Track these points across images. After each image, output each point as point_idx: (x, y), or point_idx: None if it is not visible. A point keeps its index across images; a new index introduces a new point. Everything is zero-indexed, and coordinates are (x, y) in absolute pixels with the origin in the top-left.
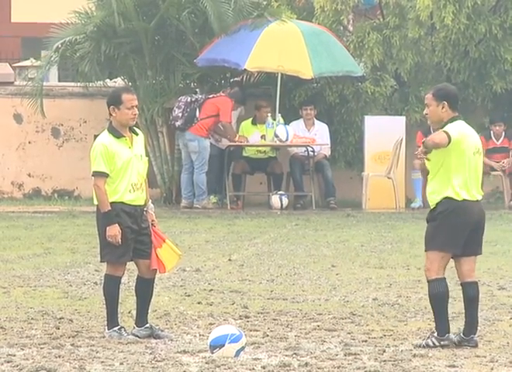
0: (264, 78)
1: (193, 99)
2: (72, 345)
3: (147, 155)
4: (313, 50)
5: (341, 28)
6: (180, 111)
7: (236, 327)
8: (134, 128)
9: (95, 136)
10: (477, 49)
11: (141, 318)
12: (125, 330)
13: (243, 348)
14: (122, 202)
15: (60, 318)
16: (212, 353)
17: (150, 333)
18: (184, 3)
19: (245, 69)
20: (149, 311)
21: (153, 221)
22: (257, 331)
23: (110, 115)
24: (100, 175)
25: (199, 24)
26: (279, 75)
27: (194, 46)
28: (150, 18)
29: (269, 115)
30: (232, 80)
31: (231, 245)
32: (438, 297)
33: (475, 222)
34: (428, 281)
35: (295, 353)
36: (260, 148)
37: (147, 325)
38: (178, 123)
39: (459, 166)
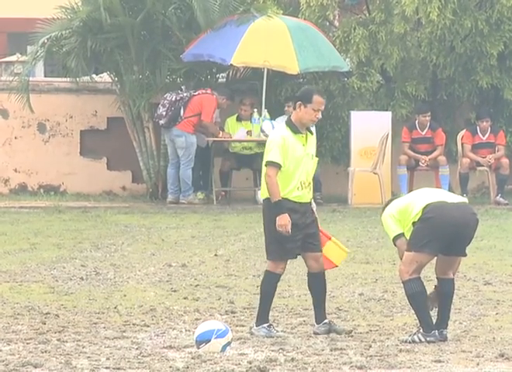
0: (250, 74)
1: (178, 98)
2: (58, 340)
3: (135, 150)
4: (299, 46)
5: (327, 23)
6: (164, 109)
7: (223, 322)
8: (310, 127)
9: (82, 132)
10: (463, 45)
11: (319, 315)
12: (274, 327)
13: (229, 343)
14: (287, 199)
15: (46, 314)
16: (199, 348)
17: (328, 329)
18: None
19: (231, 64)
20: (325, 306)
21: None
22: (243, 326)
23: (294, 109)
24: (274, 165)
25: (185, 19)
26: (265, 70)
27: (180, 41)
28: (136, 14)
29: (255, 110)
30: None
31: (217, 240)
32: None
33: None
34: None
35: (281, 348)
36: (246, 145)
37: (326, 321)
38: (161, 122)
39: None
